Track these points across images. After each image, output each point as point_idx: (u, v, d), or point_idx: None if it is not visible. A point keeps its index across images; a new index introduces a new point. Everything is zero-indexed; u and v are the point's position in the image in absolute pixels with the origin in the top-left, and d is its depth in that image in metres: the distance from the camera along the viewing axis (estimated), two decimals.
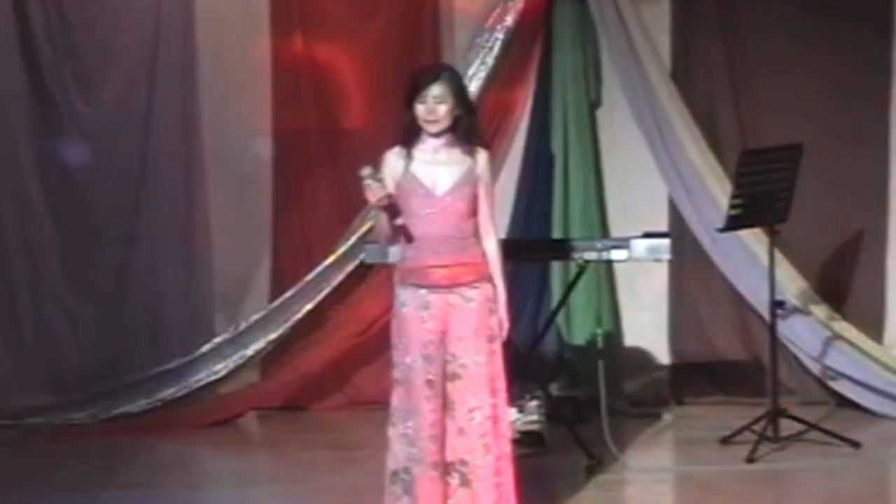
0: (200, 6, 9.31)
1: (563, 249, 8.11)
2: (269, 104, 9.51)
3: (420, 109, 5.80)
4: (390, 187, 5.77)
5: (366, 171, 5.71)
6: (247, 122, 9.48)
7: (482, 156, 5.89)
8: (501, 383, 5.89)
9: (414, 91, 5.81)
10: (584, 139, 9.48)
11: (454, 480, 5.82)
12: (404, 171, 5.81)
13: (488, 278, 5.89)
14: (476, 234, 5.88)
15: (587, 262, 7.86)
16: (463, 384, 5.81)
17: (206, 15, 9.32)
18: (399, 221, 5.76)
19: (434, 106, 5.78)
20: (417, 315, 5.82)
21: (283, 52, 9.49)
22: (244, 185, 9.48)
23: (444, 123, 5.81)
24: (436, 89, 5.79)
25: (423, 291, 5.82)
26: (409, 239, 5.82)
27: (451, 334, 5.83)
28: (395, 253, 5.95)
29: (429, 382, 5.79)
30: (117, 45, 9.29)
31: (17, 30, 9.17)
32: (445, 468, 5.80)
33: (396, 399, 5.85)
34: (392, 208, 5.75)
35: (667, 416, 9.09)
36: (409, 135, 5.84)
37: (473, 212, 5.87)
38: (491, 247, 5.93)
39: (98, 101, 9.29)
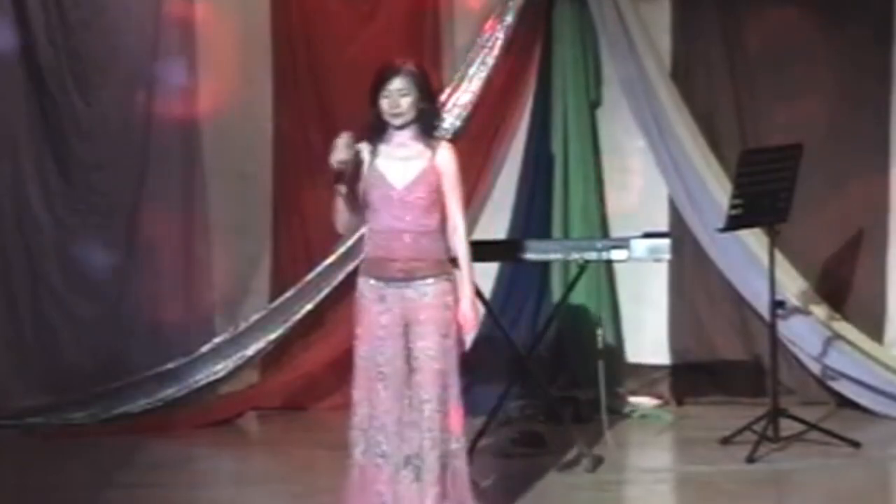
0: (200, 7, 9.32)
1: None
2: (269, 104, 9.51)
3: (384, 103, 5.87)
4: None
5: (345, 135, 5.77)
6: (247, 122, 9.48)
7: (444, 149, 5.95)
8: (453, 379, 5.91)
9: (377, 86, 5.87)
10: (584, 139, 9.48)
11: (409, 474, 5.85)
12: (369, 165, 5.88)
13: (446, 274, 5.93)
14: (439, 228, 5.92)
15: (587, 262, 7.87)
16: (419, 377, 5.86)
17: (205, 15, 9.32)
18: (342, 190, 5.77)
19: (397, 99, 5.85)
20: (373, 307, 5.90)
21: (283, 53, 9.49)
22: (244, 185, 9.49)
23: (409, 116, 5.87)
24: (398, 83, 5.85)
25: (380, 284, 5.89)
26: (354, 209, 5.85)
27: (410, 328, 5.88)
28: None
29: (380, 374, 5.86)
30: (117, 46, 9.29)
31: (18, 30, 9.17)
32: (401, 460, 5.85)
33: (354, 385, 5.95)
34: (342, 175, 5.76)
35: (666, 416, 9.08)
36: (374, 130, 5.90)
37: (435, 206, 5.90)
38: (459, 239, 5.95)
39: (98, 101, 9.29)
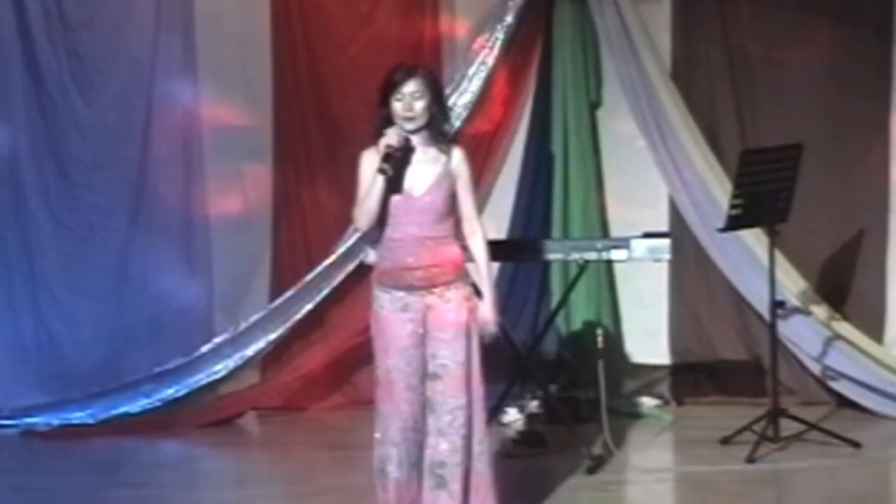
0: (200, 6, 9.32)
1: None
2: (269, 104, 9.51)
3: (397, 107, 5.79)
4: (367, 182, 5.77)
5: (395, 127, 5.75)
6: (247, 121, 9.48)
7: (457, 152, 5.90)
8: (478, 384, 5.87)
9: (389, 88, 5.81)
10: (584, 139, 9.48)
11: (430, 483, 5.80)
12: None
13: (465, 277, 5.89)
14: (452, 233, 5.87)
15: (587, 262, 7.86)
16: (443, 384, 5.80)
17: (205, 15, 9.32)
18: (387, 170, 5.66)
19: (412, 102, 5.78)
20: (396, 318, 5.81)
21: (283, 53, 9.49)
22: (244, 185, 9.48)
23: (421, 121, 5.81)
24: (412, 85, 5.80)
25: (400, 293, 5.82)
26: (388, 197, 5.76)
27: (431, 334, 5.82)
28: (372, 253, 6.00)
29: (409, 385, 5.79)
30: (117, 45, 9.29)
31: (17, 30, 9.17)
32: (426, 467, 5.80)
33: (378, 399, 5.86)
34: (390, 157, 5.69)
35: (666, 416, 9.08)
36: (382, 133, 5.79)
37: (450, 211, 5.86)
38: (477, 242, 5.93)
39: (98, 101, 9.29)
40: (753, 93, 9.34)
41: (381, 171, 5.70)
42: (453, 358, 5.81)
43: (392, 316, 5.82)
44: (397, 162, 5.74)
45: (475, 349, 5.87)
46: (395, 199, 5.78)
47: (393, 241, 5.81)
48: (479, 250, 5.94)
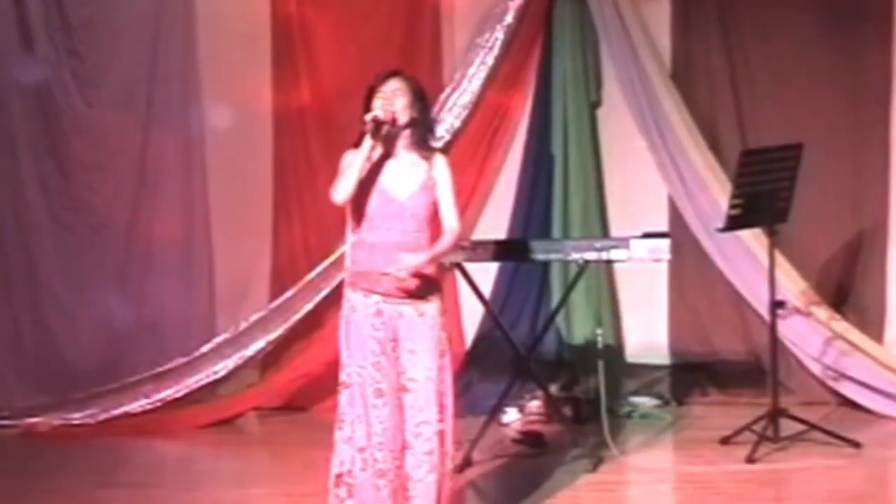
0: (200, 6, 9.33)
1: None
2: (269, 104, 9.52)
3: (377, 105, 5.75)
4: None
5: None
6: (247, 121, 9.48)
7: (440, 158, 5.85)
8: (449, 399, 5.84)
9: (372, 93, 5.79)
10: (584, 139, 9.48)
11: (402, 497, 5.74)
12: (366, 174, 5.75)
13: (441, 291, 5.85)
14: (431, 244, 5.79)
15: (587, 262, 7.87)
16: (412, 398, 5.77)
17: (206, 15, 9.32)
18: (377, 139, 5.64)
19: (391, 98, 5.76)
20: (368, 322, 5.79)
21: (283, 53, 9.49)
22: (244, 185, 9.49)
23: (402, 119, 5.77)
24: (393, 83, 5.79)
25: (375, 298, 5.79)
26: (383, 154, 5.73)
27: (402, 345, 5.79)
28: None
29: (378, 391, 5.75)
30: (117, 45, 9.31)
31: (18, 30, 9.18)
32: (398, 481, 5.72)
33: (344, 403, 5.83)
34: (379, 129, 5.67)
35: (666, 416, 9.08)
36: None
37: (431, 219, 5.80)
38: (447, 236, 5.79)
39: (98, 101, 9.30)
40: (753, 93, 9.34)
41: (371, 133, 5.65)
42: (425, 373, 5.77)
43: (363, 321, 5.79)
44: (386, 135, 5.71)
45: (447, 366, 5.82)
46: (376, 201, 5.74)
47: (370, 244, 5.77)
48: (443, 239, 5.78)
